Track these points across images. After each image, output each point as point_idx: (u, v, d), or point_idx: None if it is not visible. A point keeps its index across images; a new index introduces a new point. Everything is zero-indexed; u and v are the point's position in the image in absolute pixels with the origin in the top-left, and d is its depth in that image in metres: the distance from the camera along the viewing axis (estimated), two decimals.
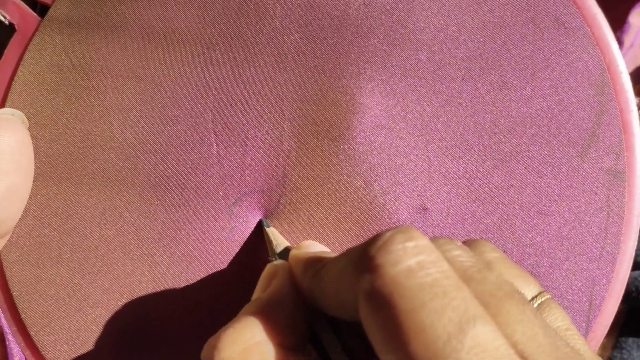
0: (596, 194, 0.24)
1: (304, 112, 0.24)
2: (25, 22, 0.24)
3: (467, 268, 0.14)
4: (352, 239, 0.24)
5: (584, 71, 0.24)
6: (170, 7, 0.24)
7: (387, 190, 0.24)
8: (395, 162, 0.24)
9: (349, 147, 0.24)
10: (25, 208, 0.23)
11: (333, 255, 0.18)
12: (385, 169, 0.24)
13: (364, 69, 0.24)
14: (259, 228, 0.24)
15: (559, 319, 0.15)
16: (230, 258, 0.24)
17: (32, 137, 0.23)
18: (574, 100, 0.24)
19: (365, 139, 0.24)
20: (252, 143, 0.24)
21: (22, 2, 0.24)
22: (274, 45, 0.24)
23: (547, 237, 0.24)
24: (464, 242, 0.17)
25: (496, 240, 0.24)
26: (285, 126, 0.24)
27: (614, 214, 0.24)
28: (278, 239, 0.22)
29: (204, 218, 0.24)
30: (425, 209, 0.24)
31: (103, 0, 0.24)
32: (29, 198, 0.23)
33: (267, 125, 0.24)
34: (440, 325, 0.12)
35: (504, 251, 0.24)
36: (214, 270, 0.24)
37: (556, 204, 0.24)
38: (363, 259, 0.14)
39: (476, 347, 0.12)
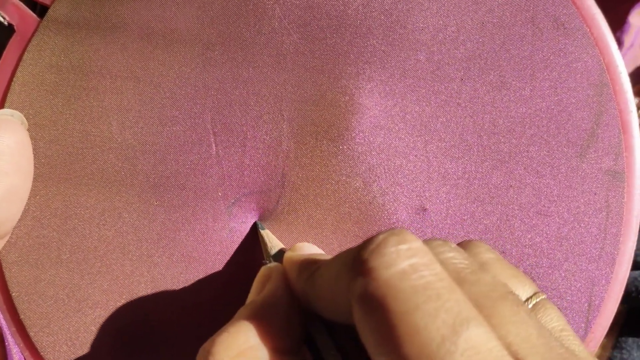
0: (595, 194, 0.24)
1: (303, 113, 0.24)
2: (24, 23, 0.24)
3: (460, 270, 0.14)
4: (351, 240, 0.24)
5: (583, 71, 0.24)
6: (169, 8, 0.24)
7: (386, 190, 0.24)
8: (394, 163, 0.24)
9: (348, 148, 0.24)
10: (25, 209, 0.23)
11: (327, 257, 0.18)
12: (384, 169, 0.24)
13: (363, 69, 0.24)
14: (257, 229, 0.24)
15: (554, 319, 0.15)
16: (229, 259, 0.24)
17: (31, 137, 0.23)
18: (573, 101, 0.24)
19: (364, 140, 0.24)
20: (251, 143, 0.24)
21: (22, 3, 0.24)
22: (273, 46, 0.24)
23: (546, 237, 0.24)
24: (459, 243, 0.17)
25: (495, 241, 0.24)
26: (284, 127, 0.24)
27: (613, 215, 0.24)
28: (273, 241, 0.22)
29: (203, 219, 0.24)
30: (424, 210, 0.24)
31: (102, 1, 0.24)
32: (28, 199, 0.23)
33: (266, 125, 0.24)
34: (433, 327, 0.12)
35: (503, 252, 0.24)
36: (213, 271, 0.24)
37: (555, 205, 0.24)
38: (356, 262, 0.14)
39: (470, 349, 0.12)
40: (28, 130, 0.23)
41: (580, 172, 0.24)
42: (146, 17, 0.24)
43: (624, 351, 0.32)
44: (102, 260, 0.23)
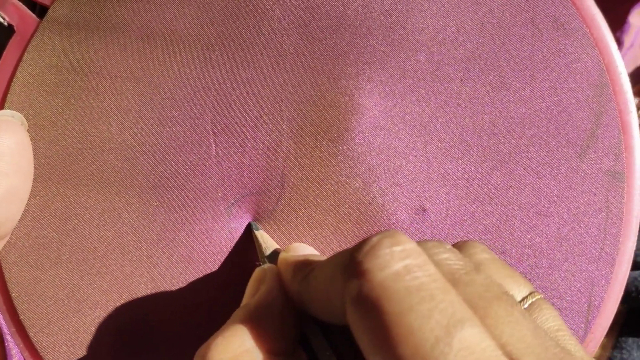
0: (595, 194, 0.24)
1: (303, 113, 0.24)
2: (24, 24, 0.24)
3: (455, 271, 0.14)
4: (351, 240, 0.24)
5: (583, 72, 0.24)
6: (169, 8, 0.24)
7: (386, 191, 0.24)
8: (394, 163, 0.24)
9: (348, 148, 0.24)
10: (24, 209, 0.23)
11: (322, 258, 0.18)
12: (384, 170, 0.24)
13: (363, 69, 0.24)
14: (252, 230, 0.24)
15: (550, 319, 0.15)
16: (229, 259, 0.24)
17: (31, 138, 0.23)
18: (573, 101, 0.24)
19: (364, 140, 0.24)
20: (250, 144, 0.24)
21: (21, 4, 0.24)
22: (273, 47, 0.24)
23: (546, 238, 0.24)
24: (455, 244, 0.17)
25: (495, 241, 0.24)
26: (284, 127, 0.24)
27: (613, 215, 0.24)
28: (267, 242, 0.22)
29: (202, 219, 0.24)
30: (424, 210, 0.24)
31: (102, 1, 0.24)
32: (28, 199, 0.23)
33: (265, 126, 0.24)
34: (427, 328, 0.12)
35: (503, 252, 0.24)
36: (212, 271, 0.24)
37: (555, 205, 0.24)
38: (350, 264, 0.14)
39: (464, 349, 0.12)
40: (28, 130, 0.24)
41: (580, 173, 0.24)
42: (146, 17, 0.24)
43: (624, 351, 0.32)
44: (101, 260, 0.23)
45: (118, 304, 0.23)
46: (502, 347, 0.13)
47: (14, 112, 0.23)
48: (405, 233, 0.24)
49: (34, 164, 0.23)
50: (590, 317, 0.23)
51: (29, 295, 0.23)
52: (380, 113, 0.24)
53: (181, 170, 0.24)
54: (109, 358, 0.23)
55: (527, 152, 0.24)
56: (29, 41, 0.24)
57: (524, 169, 0.24)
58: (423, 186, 0.24)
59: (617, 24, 0.39)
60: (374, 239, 0.14)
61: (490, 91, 0.24)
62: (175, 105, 0.24)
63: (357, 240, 0.24)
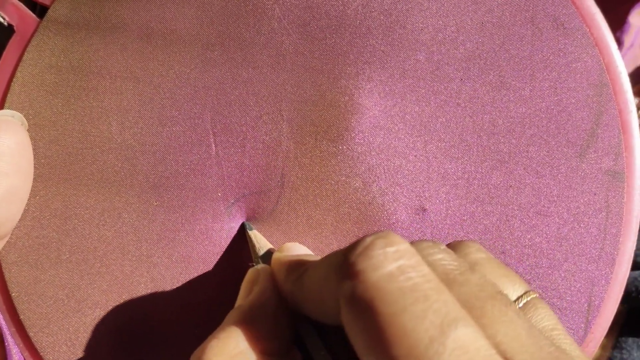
0: (595, 194, 0.24)
1: (303, 113, 0.24)
2: (24, 23, 0.24)
3: (449, 271, 0.14)
4: (351, 240, 0.24)
5: (583, 71, 0.24)
6: (168, 8, 0.24)
7: (386, 191, 0.24)
8: (394, 163, 0.24)
9: (348, 148, 0.24)
10: (24, 209, 0.23)
11: (316, 258, 0.18)
12: (384, 169, 0.24)
13: (363, 69, 0.24)
14: (245, 230, 0.24)
15: (545, 318, 0.15)
16: (229, 259, 0.24)
17: (31, 138, 0.23)
18: (573, 101, 0.24)
19: (364, 140, 0.24)
20: (250, 144, 0.24)
21: (21, 3, 0.24)
22: (273, 46, 0.24)
23: (546, 237, 0.24)
24: (450, 244, 0.17)
25: (495, 241, 0.24)
26: (283, 127, 0.24)
27: (613, 215, 0.24)
28: (261, 242, 0.22)
29: (202, 219, 0.24)
30: (424, 210, 0.24)
31: (102, 1, 0.24)
32: (28, 199, 0.23)
33: (265, 126, 0.24)
34: (422, 328, 0.12)
35: (503, 252, 0.24)
36: (212, 271, 0.24)
37: (555, 205, 0.24)
38: (344, 264, 0.14)
39: (458, 349, 0.12)
40: (28, 130, 0.24)
41: (580, 172, 0.24)
42: (146, 17, 0.24)
43: (624, 351, 0.32)
44: (101, 260, 0.23)
45: (118, 304, 0.23)
46: (497, 346, 0.13)
47: (14, 112, 0.23)
48: (405, 233, 0.24)
49: (34, 164, 0.23)
50: (590, 317, 0.23)
51: (29, 295, 0.23)
52: (380, 113, 0.24)
53: (181, 170, 0.24)
54: (109, 358, 0.23)
55: (527, 151, 0.24)
56: (29, 41, 0.24)
57: (524, 168, 0.24)
58: (423, 186, 0.24)
59: (617, 24, 0.39)
60: (368, 240, 0.14)
61: (490, 91, 0.24)
62: (175, 105, 0.24)
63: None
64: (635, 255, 0.32)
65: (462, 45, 0.24)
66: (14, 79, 0.24)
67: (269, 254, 0.22)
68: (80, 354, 0.23)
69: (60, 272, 0.23)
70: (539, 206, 0.24)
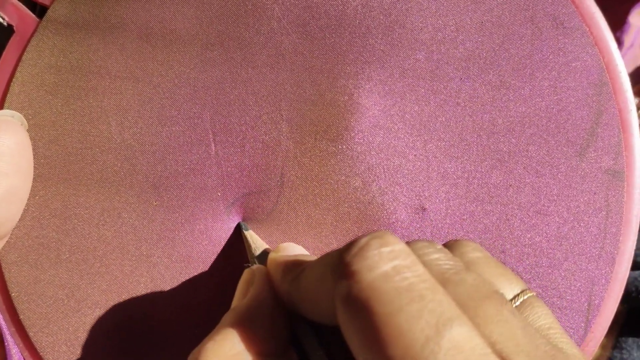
0: (595, 193, 0.24)
1: (302, 113, 0.24)
2: (23, 24, 0.24)
3: (445, 271, 0.14)
4: (350, 239, 0.24)
5: (583, 71, 0.24)
6: (168, 8, 0.24)
7: (386, 190, 0.24)
8: (394, 162, 0.24)
9: (347, 148, 0.24)
10: (24, 209, 0.23)
11: (312, 258, 0.18)
12: (384, 169, 0.24)
13: (362, 69, 0.24)
14: (241, 230, 0.24)
15: (541, 317, 0.15)
16: (229, 259, 0.24)
17: (31, 138, 0.23)
18: (573, 100, 0.24)
19: (364, 139, 0.24)
20: (250, 143, 0.24)
21: (21, 4, 0.24)
22: (272, 46, 0.24)
23: (546, 237, 0.24)
24: (447, 243, 0.17)
25: (495, 240, 0.24)
26: (283, 127, 0.24)
27: (613, 214, 0.24)
28: (257, 242, 0.22)
29: (202, 219, 0.24)
30: (424, 209, 0.24)
31: (101, 1, 0.24)
32: (28, 199, 0.23)
33: (265, 125, 0.24)
34: (417, 328, 0.12)
35: (503, 251, 0.24)
36: (212, 271, 0.24)
37: (555, 204, 0.24)
38: (340, 265, 0.14)
39: (453, 348, 0.12)
40: (27, 130, 0.24)
41: (580, 172, 0.24)
42: (145, 17, 0.24)
43: (624, 351, 0.32)
44: (101, 260, 0.23)
45: (117, 304, 0.23)
46: (492, 345, 0.13)
47: (14, 112, 0.23)
48: (405, 232, 0.24)
49: (34, 164, 0.23)
50: (590, 317, 0.23)
51: (29, 295, 0.23)
52: (379, 112, 0.24)
53: (181, 170, 0.24)
54: (108, 357, 0.23)
55: (527, 151, 0.24)
56: (28, 41, 0.24)
57: (524, 167, 0.24)
58: (422, 185, 0.24)
59: (617, 24, 0.39)
60: (363, 240, 0.14)
61: (489, 90, 0.24)
62: (175, 104, 0.24)
63: None
64: (635, 255, 0.32)
65: (461, 44, 0.24)
66: (14, 79, 0.24)
67: (265, 254, 0.22)
68: (79, 353, 0.23)
69: (60, 272, 0.23)
70: (539, 205, 0.24)
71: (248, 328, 0.16)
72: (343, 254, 0.14)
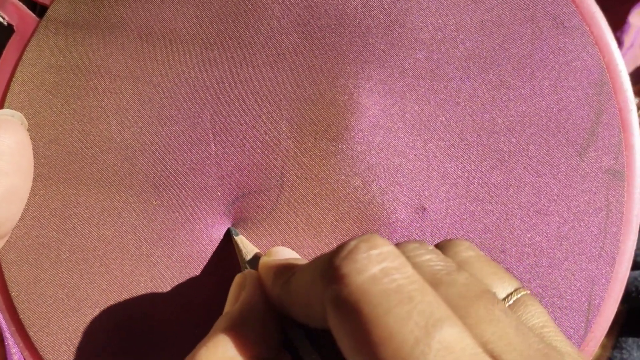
0: (595, 193, 0.24)
1: (302, 112, 0.24)
2: (23, 23, 0.24)
3: (436, 272, 0.14)
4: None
5: (583, 70, 0.24)
6: (168, 7, 0.24)
7: (386, 190, 0.24)
8: (394, 162, 0.24)
9: (347, 147, 0.24)
10: (24, 209, 0.23)
11: (303, 262, 0.18)
12: (384, 168, 0.24)
13: (362, 68, 0.24)
14: (231, 236, 0.24)
15: (535, 315, 0.15)
16: (229, 258, 0.24)
17: (31, 137, 0.23)
18: (573, 100, 0.24)
19: (364, 139, 0.24)
20: (250, 143, 0.24)
21: (21, 3, 0.24)
22: (272, 45, 0.24)
23: (546, 236, 0.24)
24: (439, 243, 0.17)
25: (495, 240, 0.24)
26: (283, 126, 0.24)
27: (613, 214, 0.24)
28: (247, 247, 0.22)
29: (202, 218, 0.24)
30: (424, 209, 0.24)
31: (101, 1, 0.24)
32: (28, 199, 0.23)
33: (265, 125, 0.24)
34: (407, 330, 0.12)
35: (503, 251, 0.24)
36: (212, 271, 0.24)
37: (555, 204, 0.24)
38: (329, 268, 0.14)
39: (443, 349, 0.12)
40: (27, 130, 0.24)
41: (580, 171, 0.24)
42: (145, 17, 0.24)
43: (624, 351, 0.32)
44: (101, 259, 0.23)
45: (117, 303, 0.23)
46: (484, 345, 0.13)
47: (14, 111, 0.23)
48: (405, 232, 0.24)
49: (34, 163, 0.23)
50: (590, 316, 0.23)
51: (29, 294, 0.23)
52: (379, 112, 0.24)
53: (181, 170, 0.24)
54: (108, 357, 0.23)
55: (527, 150, 0.24)
56: (28, 41, 0.24)
57: (524, 167, 0.24)
58: (423, 185, 0.24)
59: (617, 24, 0.39)
60: (352, 244, 0.14)
61: (489, 90, 0.24)
62: (175, 104, 0.24)
63: None
64: (636, 255, 0.32)
65: (461, 44, 0.24)
66: (14, 79, 0.24)
67: (256, 258, 0.21)
68: (79, 353, 0.23)
69: (60, 271, 0.23)
70: (539, 205, 0.24)
71: (240, 333, 0.16)
72: (332, 258, 0.14)
